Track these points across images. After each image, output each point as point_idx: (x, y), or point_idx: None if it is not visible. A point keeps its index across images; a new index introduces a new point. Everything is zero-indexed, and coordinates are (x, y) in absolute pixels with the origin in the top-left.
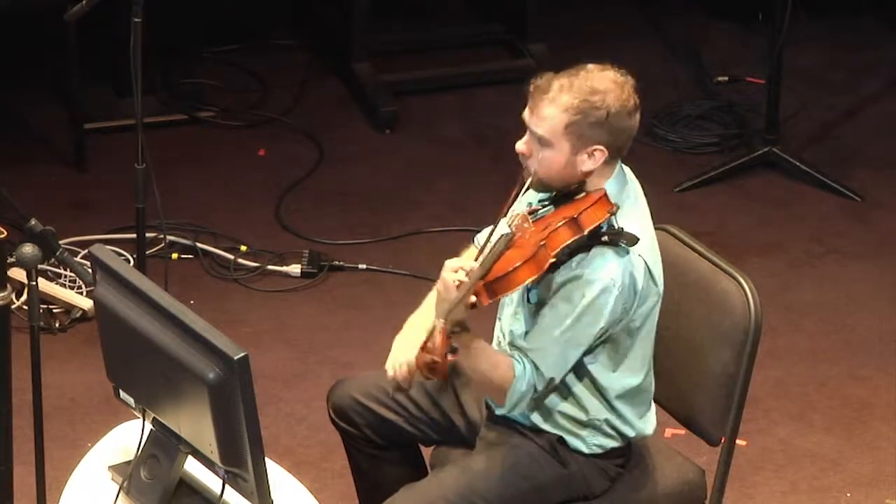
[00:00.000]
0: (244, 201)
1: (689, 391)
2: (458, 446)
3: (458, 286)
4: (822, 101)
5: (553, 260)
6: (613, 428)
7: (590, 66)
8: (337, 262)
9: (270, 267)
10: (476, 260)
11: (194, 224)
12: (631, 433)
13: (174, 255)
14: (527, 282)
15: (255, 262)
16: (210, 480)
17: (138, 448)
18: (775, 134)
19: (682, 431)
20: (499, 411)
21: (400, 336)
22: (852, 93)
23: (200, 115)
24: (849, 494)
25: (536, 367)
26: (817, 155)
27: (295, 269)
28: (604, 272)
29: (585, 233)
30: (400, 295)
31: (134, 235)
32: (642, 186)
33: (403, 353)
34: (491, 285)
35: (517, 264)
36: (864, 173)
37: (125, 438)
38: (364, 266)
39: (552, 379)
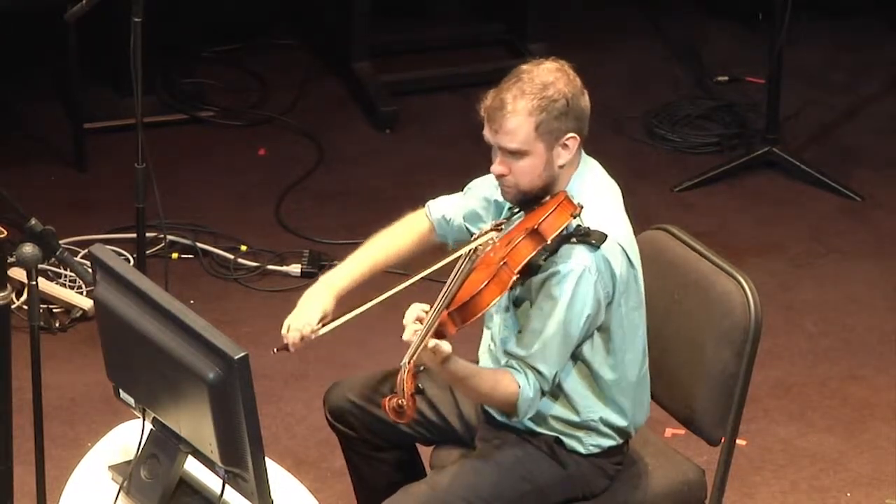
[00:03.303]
0: (244, 201)
1: (689, 391)
2: (456, 447)
3: (419, 319)
4: (822, 101)
5: (517, 277)
6: (608, 425)
7: (524, 66)
8: (337, 262)
9: (270, 267)
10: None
11: (194, 224)
12: (623, 423)
13: (174, 255)
14: (492, 303)
15: (255, 262)
16: (210, 480)
17: (138, 448)
18: (775, 134)
19: (682, 431)
20: (512, 421)
21: (310, 293)
22: (852, 93)
23: (200, 115)
24: (849, 494)
25: (538, 371)
26: (817, 155)
27: (295, 269)
28: (576, 261)
29: (549, 241)
30: (399, 294)
31: (134, 235)
32: (642, 186)
33: (299, 319)
34: (456, 313)
35: (479, 287)
36: (864, 173)
37: (125, 438)
38: None
39: (555, 375)
